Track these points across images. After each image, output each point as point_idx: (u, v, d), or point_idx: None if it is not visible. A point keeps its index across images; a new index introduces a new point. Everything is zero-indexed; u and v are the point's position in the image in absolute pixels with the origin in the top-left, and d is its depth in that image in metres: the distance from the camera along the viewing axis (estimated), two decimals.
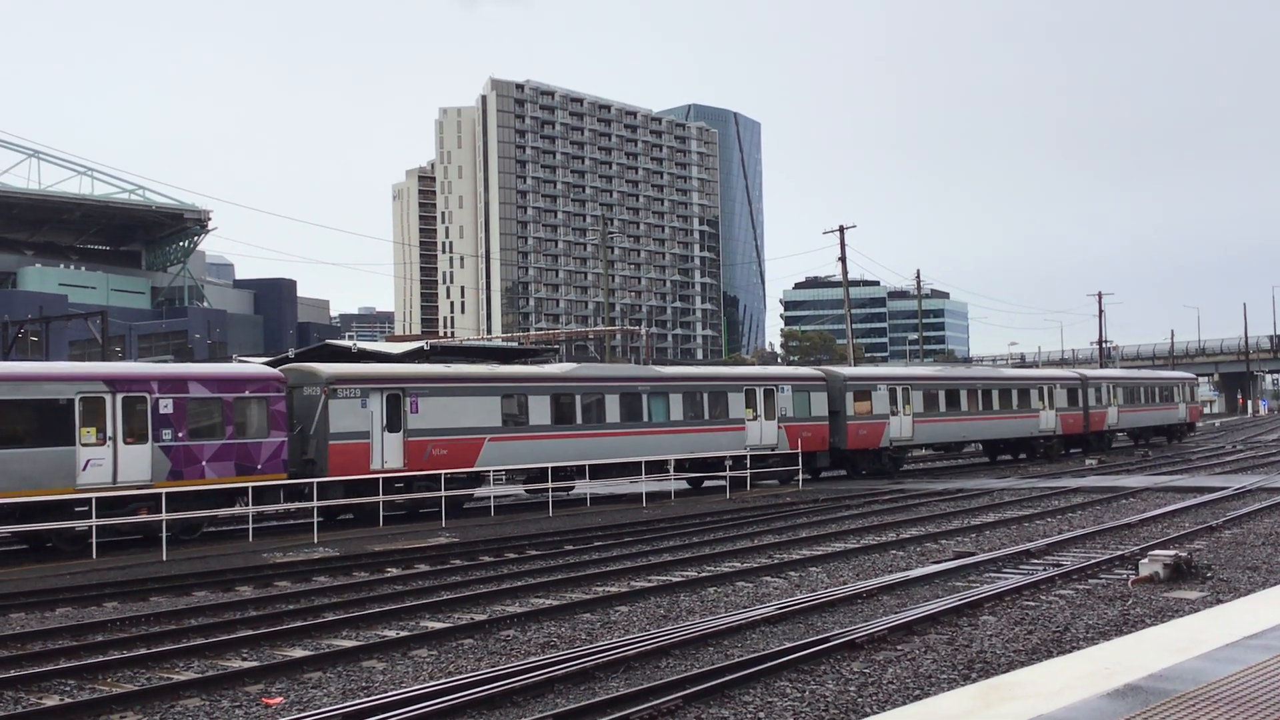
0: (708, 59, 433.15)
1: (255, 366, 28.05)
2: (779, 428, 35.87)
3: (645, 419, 32.61)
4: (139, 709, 10.30)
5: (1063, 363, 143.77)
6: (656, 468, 32.46)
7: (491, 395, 29.43)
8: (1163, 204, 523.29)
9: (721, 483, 34.39)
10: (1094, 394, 50.70)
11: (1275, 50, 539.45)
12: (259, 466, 25.03)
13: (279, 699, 10.56)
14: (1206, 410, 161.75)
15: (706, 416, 34.28)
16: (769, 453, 35.44)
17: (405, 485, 27.79)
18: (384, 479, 26.83)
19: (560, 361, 57.36)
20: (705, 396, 34.37)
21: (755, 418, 35.42)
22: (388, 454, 27.12)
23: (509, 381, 30.26)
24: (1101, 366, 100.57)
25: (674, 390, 33.55)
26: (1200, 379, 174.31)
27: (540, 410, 30.30)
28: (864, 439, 38.50)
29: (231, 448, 24.73)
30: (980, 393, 44.15)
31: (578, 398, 31.12)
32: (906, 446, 41.27)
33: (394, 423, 27.32)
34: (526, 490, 31.71)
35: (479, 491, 29.23)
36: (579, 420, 31.07)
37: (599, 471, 31.37)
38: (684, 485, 35.39)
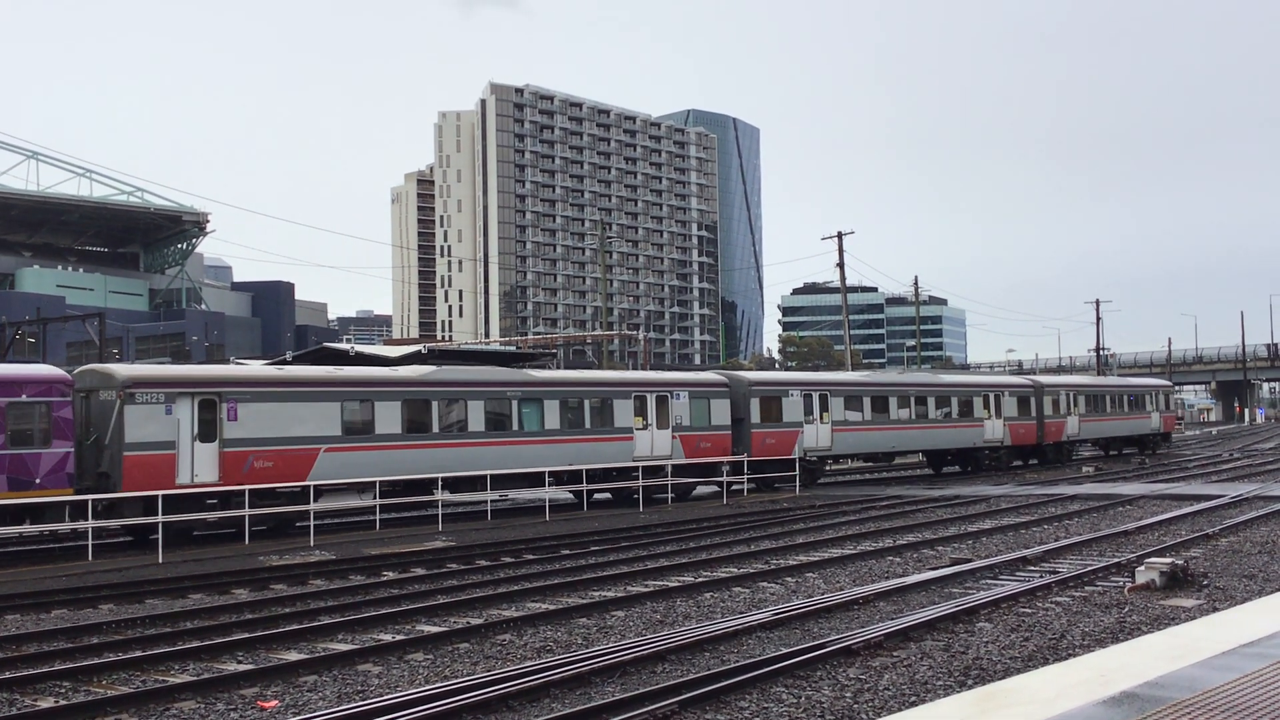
0: (707, 65, 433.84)
1: (37, 367, 25.46)
2: (673, 437, 32.98)
3: (515, 428, 29.82)
4: (134, 711, 10.28)
5: (1059, 370, 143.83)
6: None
7: (328, 401, 26.63)
8: (1161, 212, 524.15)
9: (635, 494, 31.85)
10: (1050, 402, 48.06)
11: (1274, 56, 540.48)
12: (37, 481, 22.10)
13: (274, 702, 10.54)
14: (1203, 419, 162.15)
15: (587, 425, 31.32)
16: (663, 463, 32.45)
17: (223, 502, 24.76)
18: (195, 494, 24.03)
19: (559, 367, 57.23)
20: (586, 404, 31.49)
21: (645, 427, 32.48)
22: (199, 467, 24.20)
23: (350, 386, 27.41)
24: (1099, 374, 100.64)
25: (549, 396, 30.67)
26: (1197, 387, 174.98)
27: (389, 417, 27.52)
28: (773, 448, 35.52)
29: (3, 459, 21.84)
30: (914, 400, 41.42)
31: (435, 404, 28.38)
32: (826, 457, 38.52)
33: (207, 431, 24.48)
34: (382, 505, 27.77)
35: (315, 507, 25.58)
36: (436, 429, 28.31)
37: (463, 485, 28.54)
38: (570, 497, 32.75)
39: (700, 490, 35.66)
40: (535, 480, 29.80)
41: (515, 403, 29.95)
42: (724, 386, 35.25)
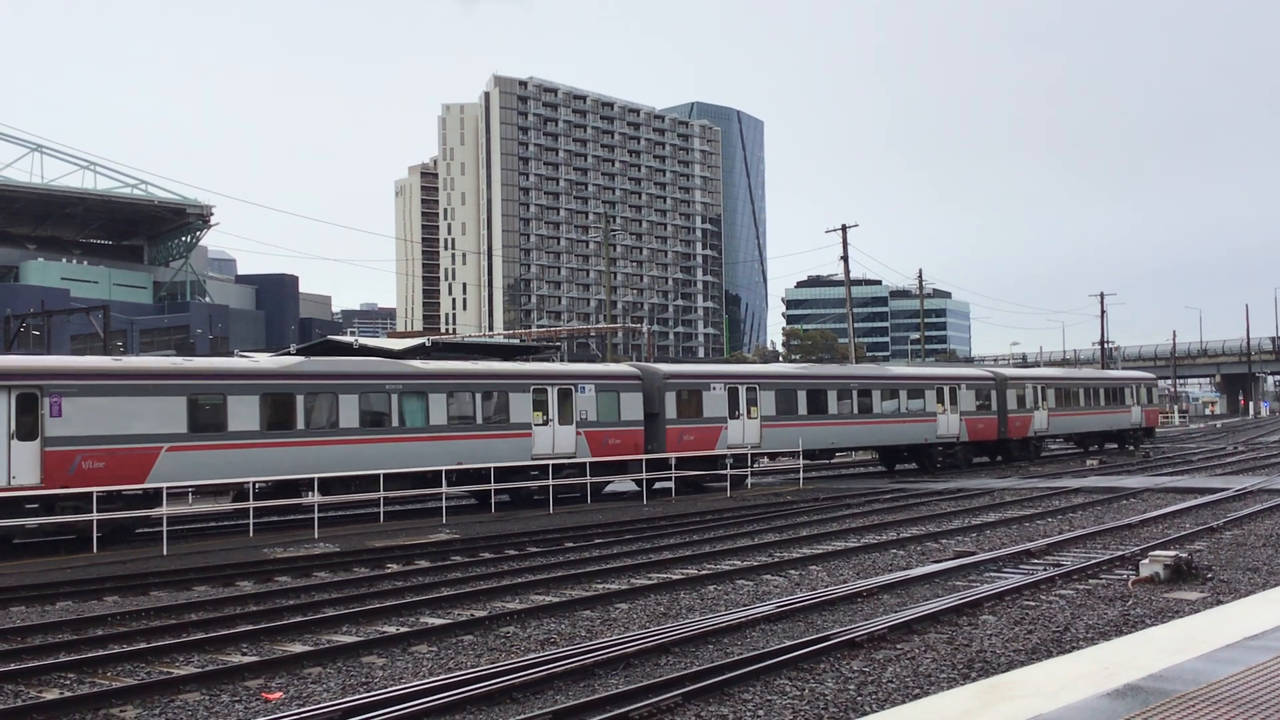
0: (711, 57, 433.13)
1: None
2: (578, 434, 30.92)
3: (396, 424, 27.73)
4: (139, 703, 10.30)
5: (1064, 363, 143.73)
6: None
7: (172, 395, 24.27)
8: (1166, 205, 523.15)
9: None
10: (1014, 396, 45.84)
11: (1278, 50, 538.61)
12: None
13: (279, 694, 10.56)
14: (1207, 411, 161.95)
15: (479, 421, 29.19)
16: (567, 461, 30.61)
17: (46, 507, 22.49)
18: (12, 499, 21.90)
19: (561, 360, 57.06)
20: (478, 397, 29.28)
21: (546, 422, 30.44)
22: (17, 468, 22.08)
23: (198, 378, 25.04)
24: (1103, 367, 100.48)
25: (435, 390, 28.52)
26: (1201, 380, 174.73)
27: (245, 413, 25.17)
28: (690, 444, 33.37)
29: None
30: (856, 394, 39.16)
31: (299, 398, 26.13)
32: (756, 454, 36.38)
33: (27, 429, 22.39)
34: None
35: (156, 513, 23.50)
36: (301, 425, 26.07)
37: (336, 487, 26.52)
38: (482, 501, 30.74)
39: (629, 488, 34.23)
40: (431, 481, 27.92)
41: (395, 397, 27.81)
42: (636, 379, 33.08)
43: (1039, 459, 47.36)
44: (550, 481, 29.40)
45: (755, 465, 37.79)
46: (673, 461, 32.40)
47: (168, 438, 24.09)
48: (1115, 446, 54.71)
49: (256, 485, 25.29)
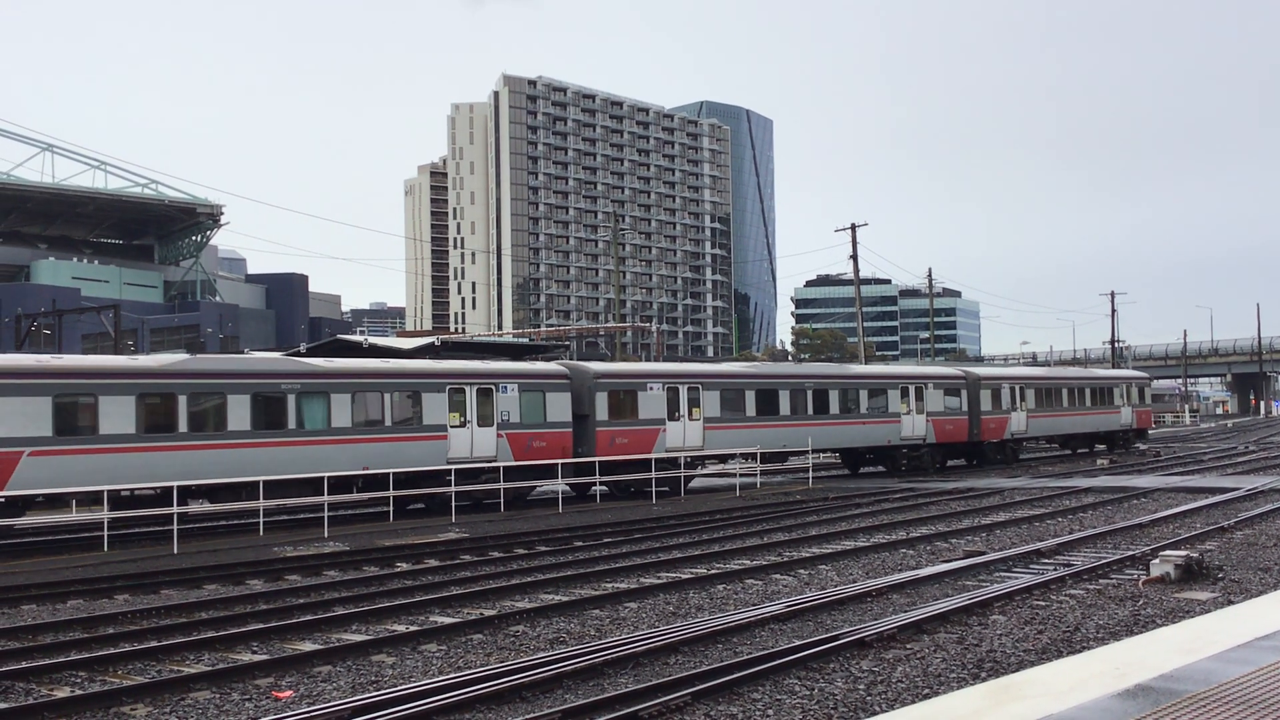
0: (720, 56, 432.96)
1: None
2: (499, 436, 29.22)
3: (293, 426, 25.90)
4: (149, 701, 10.33)
5: (1074, 362, 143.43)
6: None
7: (34, 395, 22.42)
8: (1177, 203, 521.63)
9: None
10: (989, 396, 43.79)
11: None
12: None
13: (289, 692, 10.58)
14: (1219, 410, 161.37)
15: (389, 423, 27.58)
16: (487, 465, 28.97)
17: None
18: None
19: (570, 358, 57.03)
20: (387, 398, 27.66)
21: (463, 424, 28.73)
22: None
23: (66, 377, 23.22)
24: (1114, 366, 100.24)
25: (338, 390, 26.75)
26: (1213, 379, 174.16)
27: (119, 415, 23.34)
28: (625, 447, 31.62)
29: None
30: (811, 393, 37.30)
31: (182, 399, 24.25)
32: (697, 458, 34.32)
33: None
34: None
35: (20, 523, 22.36)
36: (184, 428, 24.28)
37: (225, 494, 24.70)
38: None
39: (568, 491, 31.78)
40: (337, 487, 26.37)
41: (293, 397, 26.04)
42: (563, 379, 31.14)
43: (1017, 462, 45.64)
44: (456, 487, 27.55)
45: (701, 468, 36.24)
46: (597, 466, 30.60)
47: (30, 441, 22.23)
48: (1104, 448, 52.81)
49: (135, 491, 23.54)
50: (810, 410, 37.26)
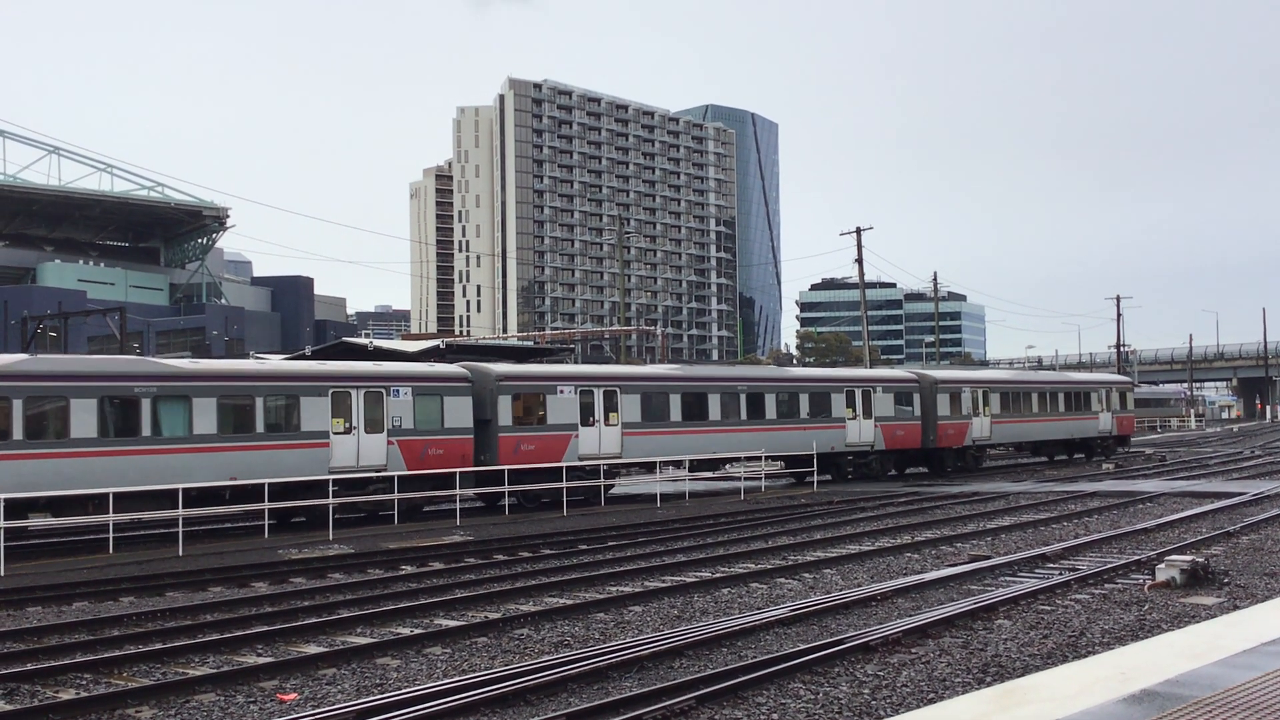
0: (726, 60, 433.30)
1: None
2: (389, 444, 27.31)
3: (147, 433, 23.91)
4: (154, 703, 10.34)
5: (1079, 367, 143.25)
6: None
7: None
8: (1184, 207, 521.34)
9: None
10: (946, 400, 41.62)
11: None
12: None
13: (293, 695, 10.59)
14: (1224, 415, 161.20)
15: (261, 429, 25.42)
16: (374, 475, 27.14)
17: None
18: None
19: (576, 362, 56.97)
20: (260, 402, 25.56)
21: (348, 430, 26.68)
22: None
23: None
24: (1119, 372, 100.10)
25: (201, 393, 24.64)
26: (1219, 384, 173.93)
27: None
28: (532, 455, 29.61)
29: None
30: (744, 397, 35.32)
31: (16, 404, 22.25)
32: (616, 466, 32.23)
33: None
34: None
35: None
36: (19, 436, 22.22)
37: (72, 508, 22.81)
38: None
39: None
40: (203, 499, 24.56)
41: (148, 401, 24.01)
42: (464, 381, 29.19)
43: (978, 470, 43.55)
44: (337, 499, 25.36)
45: (622, 475, 34.39)
46: (506, 475, 28.63)
47: None
48: (1082, 457, 50.75)
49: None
50: (744, 415, 35.29)
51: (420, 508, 29.05)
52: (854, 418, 38.52)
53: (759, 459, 35.78)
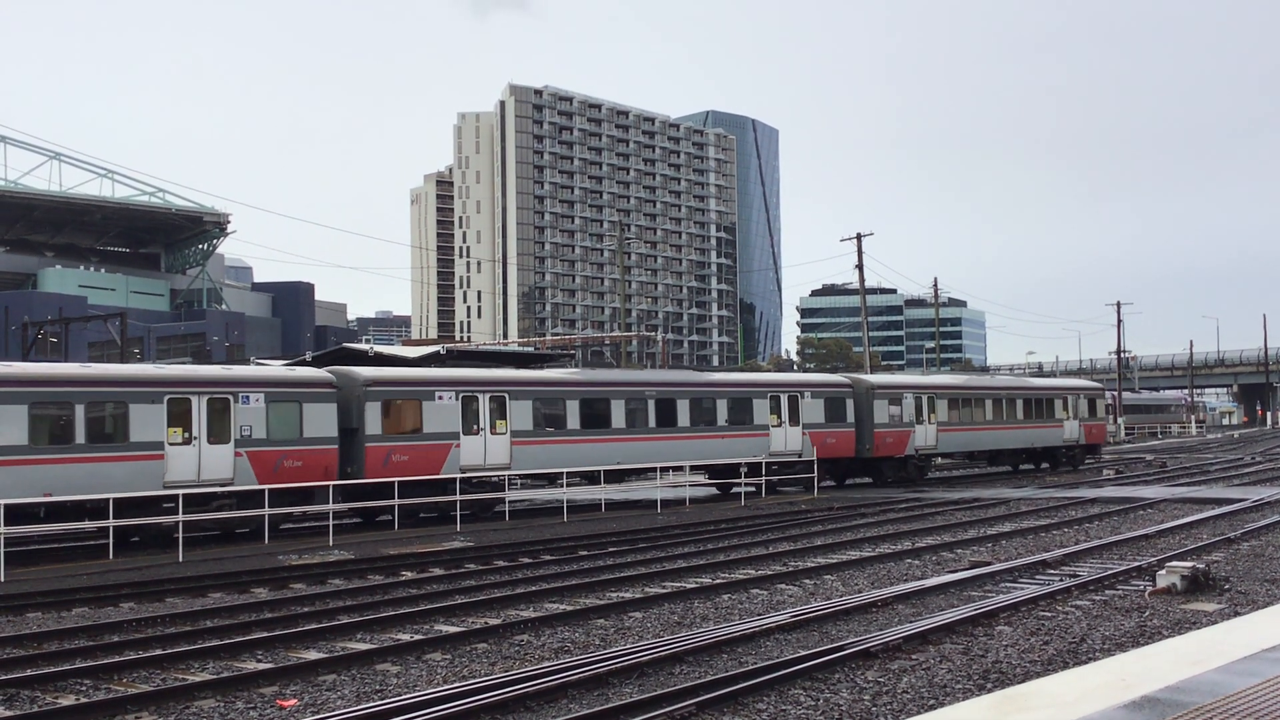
0: (726, 66, 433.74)
1: None
2: (238, 455, 24.86)
3: None
4: (154, 709, 10.33)
5: (1080, 373, 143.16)
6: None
7: None
8: (1183, 214, 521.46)
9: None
10: (884, 406, 39.22)
11: None
12: None
13: (293, 701, 10.58)
14: (1225, 421, 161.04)
15: (81, 439, 22.97)
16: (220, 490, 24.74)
17: None
18: None
19: (576, 367, 56.83)
20: (79, 409, 23.05)
21: (188, 440, 24.25)
22: None
23: None
24: (1119, 378, 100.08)
25: (9, 400, 22.23)
26: (1219, 390, 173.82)
27: None
28: (404, 466, 27.37)
29: None
30: (653, 404, 32.94)
31: None
32: (506, 477, 30.18)
33: None
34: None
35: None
36: None
37: None
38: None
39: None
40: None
41: None
42: (327, 387, 26.91)
43: (923, 481, 41.21)
44: (181, 518, 22.68)
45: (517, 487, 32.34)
46: (398, 487, 26.61)
47: None
48: (1048, 466, 47.91)
49: None
50: (653, 422, 32.89)
51: (277, 525, 26.05)
52: (779, 425, 36.17)
53: (674, 469, 33.69)
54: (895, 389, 40.52)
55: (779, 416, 36.27)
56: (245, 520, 25.20)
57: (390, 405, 27.84)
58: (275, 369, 29.03)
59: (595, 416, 31.71)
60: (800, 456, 36.54)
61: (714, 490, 37.03)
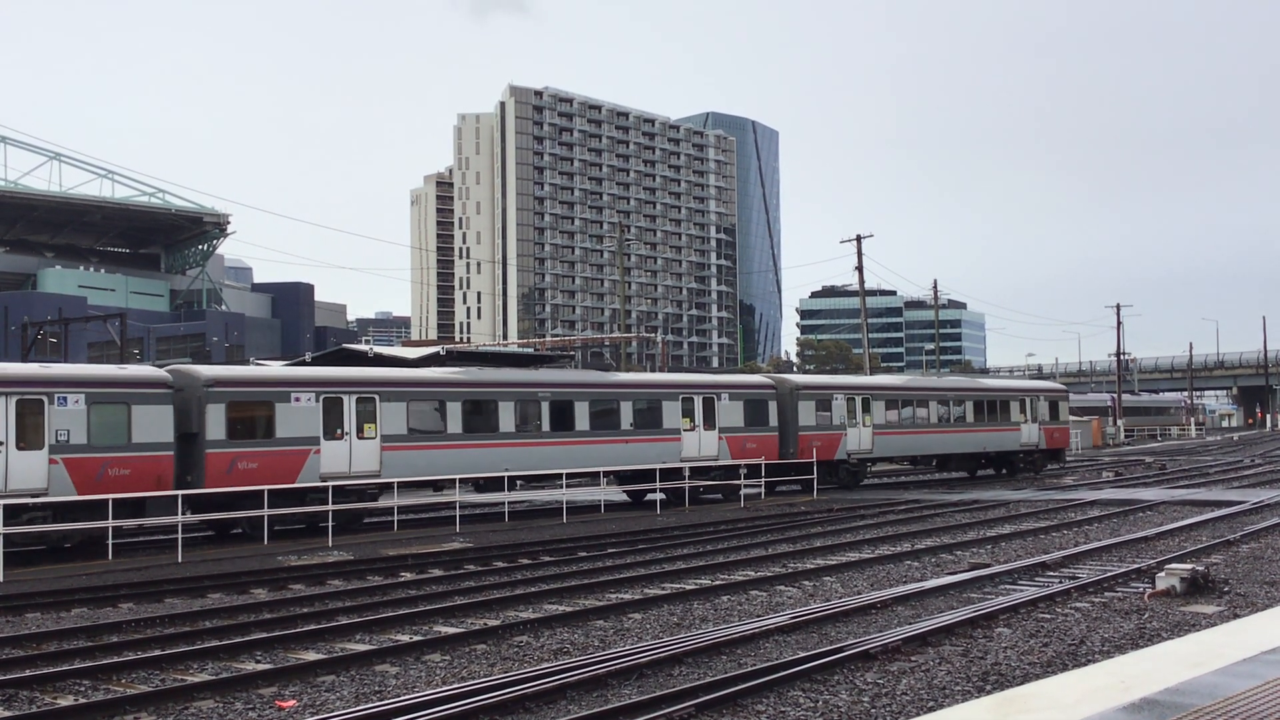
0: (726, 68, 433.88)
1: None
2: (52, 462, 22.50)
3: None
4: (153, 710, 10.33)
5: (1079, 375, 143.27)
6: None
7: None
8: (1183, 216, 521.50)
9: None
10: (812, 409, 37.01)
11: None
12: None
13: (292, 702, 10.58)
14: (1224, 423, 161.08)
15: None
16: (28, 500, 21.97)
17: None
18: None
19: (575, 368, 56.73)
20: None
21: None
22: None
23: None
24: (1119, 381, 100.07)
25: None
26: (1219, 392, 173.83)
27: None
28: (253, 474, 24.96)
29: None
30: (547, 406, 30.70)
31: None
32: (371, 486, 27.44)
33: None
34: None
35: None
36: None
37: None
38: None
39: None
40: None
41: None
42: (162, 387, 24.53)
43: (856, 487, 38.78)
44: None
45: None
46: (271, 497, 24.58)
47: None
48: (1006, 471, 45.45)
49: None
50: (547, 426, 30.71)
51: (99, 540, 22.94)
52: (692, 429, 33.91)
53: (567, 476, 30.90)
54: (823, 389, 38.60)
55: (693, 420, 34.08)
56: (68, 535, 22.63)
57: (237, 407, 25.57)
58: (101, 368, 26.69)
59: (480, 420, 29.47)
60: (717, 462, 34.27)
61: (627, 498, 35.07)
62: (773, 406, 36.40)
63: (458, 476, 28.46)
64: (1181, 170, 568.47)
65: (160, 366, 27.49)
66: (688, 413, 34.01)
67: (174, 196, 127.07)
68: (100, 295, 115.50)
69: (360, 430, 27.07)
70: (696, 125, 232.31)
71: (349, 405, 27.02)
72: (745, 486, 34.30)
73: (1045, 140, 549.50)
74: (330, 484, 26.02)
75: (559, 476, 30.74)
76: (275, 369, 30.78)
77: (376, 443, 27.28)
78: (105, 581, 18.76)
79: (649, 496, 33.73)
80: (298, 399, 26.33)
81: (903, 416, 40.60)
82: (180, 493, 23.51)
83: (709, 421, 34.36)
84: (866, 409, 38.91)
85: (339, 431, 26.75)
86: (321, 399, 26.62)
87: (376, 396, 27.51)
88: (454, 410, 28.95)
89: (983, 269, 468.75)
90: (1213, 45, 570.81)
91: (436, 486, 29.40)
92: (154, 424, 24.02)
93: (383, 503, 28.17)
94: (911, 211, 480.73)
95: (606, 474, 32.44)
